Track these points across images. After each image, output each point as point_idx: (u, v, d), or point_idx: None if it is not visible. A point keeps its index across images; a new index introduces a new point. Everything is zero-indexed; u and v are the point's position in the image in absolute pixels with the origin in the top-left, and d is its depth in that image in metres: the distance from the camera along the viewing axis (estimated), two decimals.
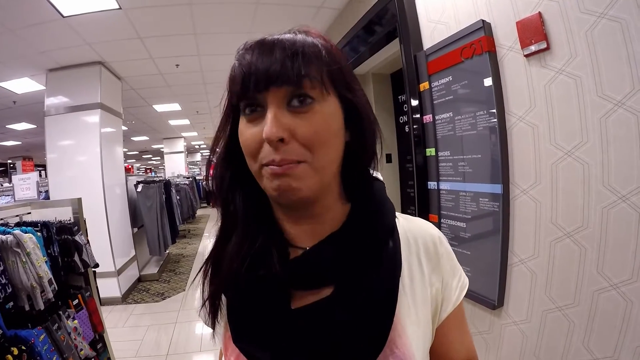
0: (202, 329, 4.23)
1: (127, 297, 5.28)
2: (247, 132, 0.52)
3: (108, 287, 4.83)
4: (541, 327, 1.78)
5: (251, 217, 0.59)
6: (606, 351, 1.49)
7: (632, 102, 1.30)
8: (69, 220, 2.16)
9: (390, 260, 0.57)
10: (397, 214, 0.64)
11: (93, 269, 2.33)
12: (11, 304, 1.63)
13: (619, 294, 1.42)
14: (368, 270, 0.55)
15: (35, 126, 8.30)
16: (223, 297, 0.62)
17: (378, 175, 0.66)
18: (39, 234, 1.86)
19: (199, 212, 14.69)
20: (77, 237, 2.08)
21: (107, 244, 4.87)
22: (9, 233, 1.70)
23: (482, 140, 1.90)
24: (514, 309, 1.91)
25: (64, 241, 2.01)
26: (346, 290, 0.54)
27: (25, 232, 1.75)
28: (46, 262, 1.81)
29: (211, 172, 0.61)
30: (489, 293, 1.96)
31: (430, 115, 2.24)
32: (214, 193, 0.60)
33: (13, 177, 4.56)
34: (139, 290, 5.60)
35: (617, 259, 1.42)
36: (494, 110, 1.80)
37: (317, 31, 0.57)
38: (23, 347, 1.53)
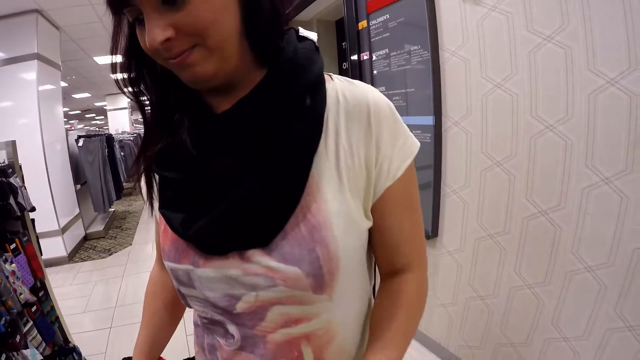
0: (148, 278, 4.21)
1: (74, 256, 5.15)
2: (142, 40, 0.49)
3: (53, 247, 4.70)
4: (474, 256, 1.89)
5: (167, 97, 0.58)
6: (537, 277, 1.61)
7: (561, 37, 1.37)
8: (3, 162, 2.06)
9: (307, 118, 0.53)
10: (337, 76, 0.61)
11: (32, 218, 2.25)
12: None
13: (548, 220, 1.53)
14: (280, 129, 0.52)
15: None
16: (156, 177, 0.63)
17: (311, 35, 0.61)
18: None
19: None
20: (12, 180, 1.99)
21: (50, 203, 4.69)
22: None
23: (416, 75, 1.97)
24: (448, 239, 2.03)
25: None
26: (258, 151, 0.52)
27: None
28: None
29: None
30: (424, 223, 2.05)
31: (368, 53, 2.29)
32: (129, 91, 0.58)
33: None
34: (85, 249, 5.47)
35: (545, 186, 1.52)
36: (428, 46, 1.85)
37: None
38: None
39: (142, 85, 0.58)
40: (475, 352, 2.02)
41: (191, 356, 0.85)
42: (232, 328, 0.62)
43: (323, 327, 0.60)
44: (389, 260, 0.65)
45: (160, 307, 0.84)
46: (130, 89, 0.57)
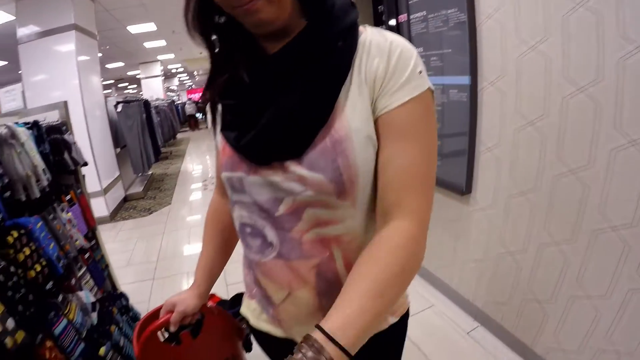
0: (188, 235, 4.45)
1: (115, 215, 5.43)
2: None
3: (96, 207, 4.82)
4: (505, 213, 1.95)
5: (230, 42, 0.70)
6: (565, 234, 1.65)
7: (592, 2, 1.38)
8: (57, 121, 2.21)
9: (338, 57, 0.64)
10: (370, 27, 0.71)
11: (83, 173, 2.42)
12: (9, 193, 1.70)
13: (577, 179, 1.56)
14: (316, 64, 0.63)
15: (6, 62, 8.02)
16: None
17: None
18: (30, 131, 1.91)
19: (180, 135, 14.76)
20: (66, 136, 2.14)
21: (92, 165, 4.90)
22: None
23: (453, 37, 2.00)
24: (481, 195, 2.09)
25: (54, 140, 2.06)
26: (296, 80, 0.64)
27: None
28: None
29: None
30: (458, 179, 2.14)
31: (405, 15, 2.31)
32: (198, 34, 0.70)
33: None
34: (126, 209, 5.75)
35: (574, 146, 1.55)
36: (465, 8, 1.87)
37: None
38: (22, 231, 1.61)
39: (210, 33, 0.70)
40: (501, 307, 2.10)
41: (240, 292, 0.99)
42: (271, 234, 0.73)
43: (349, 233, 0.71)
44: (380, 198, 0.67)
45: (220, 228, 0.99)
46: (200, 36, 0.70)
